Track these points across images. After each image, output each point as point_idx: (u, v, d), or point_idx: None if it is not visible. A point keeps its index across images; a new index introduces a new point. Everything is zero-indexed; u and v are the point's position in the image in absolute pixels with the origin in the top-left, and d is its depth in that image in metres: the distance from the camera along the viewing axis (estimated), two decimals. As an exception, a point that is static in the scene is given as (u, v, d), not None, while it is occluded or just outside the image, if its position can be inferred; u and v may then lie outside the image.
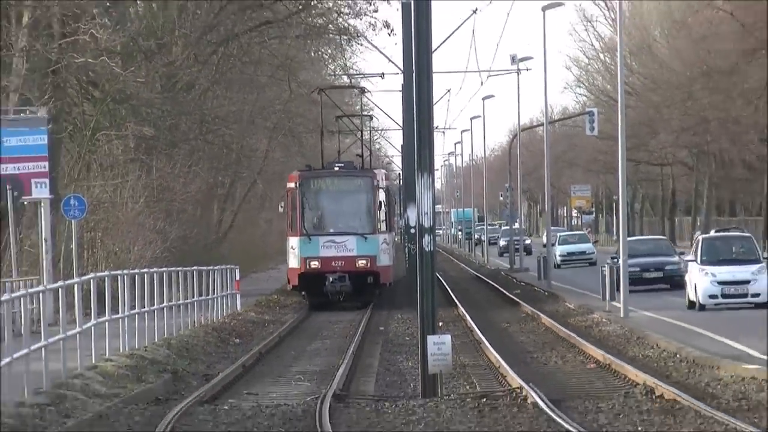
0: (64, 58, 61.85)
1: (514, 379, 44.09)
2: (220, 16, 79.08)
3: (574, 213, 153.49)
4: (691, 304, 55.16)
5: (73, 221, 57.50)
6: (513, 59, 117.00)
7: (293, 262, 66.31)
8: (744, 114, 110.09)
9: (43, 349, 40.08)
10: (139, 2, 74.93)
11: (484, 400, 40.64)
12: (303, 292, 68.80)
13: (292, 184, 65.72)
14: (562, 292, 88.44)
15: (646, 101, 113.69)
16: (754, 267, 54.40)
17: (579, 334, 60.50)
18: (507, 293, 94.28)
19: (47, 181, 54.37)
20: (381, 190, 67.08)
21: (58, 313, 46.11)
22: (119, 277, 50.76)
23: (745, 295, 53.69)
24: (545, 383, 43.37)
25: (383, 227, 65.94)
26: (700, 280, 53.98)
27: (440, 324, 45.22)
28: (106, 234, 62.35)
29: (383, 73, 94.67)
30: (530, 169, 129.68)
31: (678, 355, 50.79)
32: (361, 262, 64.07)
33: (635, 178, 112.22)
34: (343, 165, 73.09)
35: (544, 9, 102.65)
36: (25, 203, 54.48)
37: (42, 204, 54.75)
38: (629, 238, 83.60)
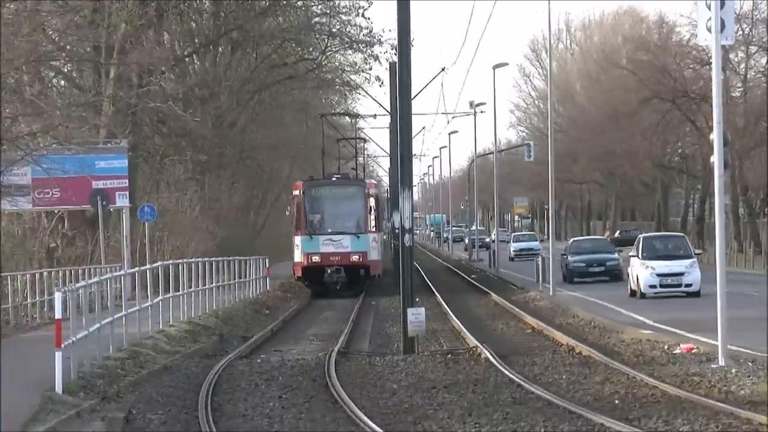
0: (140, 103, 62.07)
1: (472, 341, 45.07)
2: (255, 72, 79.23)
3: (516, 218, 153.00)
4: (633, 293, 54.28)
5: (146, 223, 57.93)
6: (471, 104, 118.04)
7: (298, 256, 64.67)
8: (641, 147, 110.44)
9: (123, 317, 40.64)
10: (195, 62, 74.90)
11: (449, 355, 41.46)
12: (306, 282, 66.90)
13: (297, 192, 64.76)
14: (508, 278, 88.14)
15: (569, 136, 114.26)
16: (688, 261, 53.77)
17: (519, 308, 60.74)
18: (466, 277, 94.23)
19: (127, 193, 54.88)
20: (371, 197, 65.83)
21: (134, 290, 46.66)
22: (180, 264, 50.92)
23: (679, 285, 52.75)
24: (494, 343, 43.71)
25: (373, 228, 64.61)
26: (642, 272, 52.77)
27: (417, 300, 45.36)
28: (170, 233, 62.54)
29: (375, 115, 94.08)
30: (483, 186, 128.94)
31: (592, 323, 50.75)
32: (355, 257, 62.72)
33: (561, 192, 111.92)
34: (340, 176, 71.89)
35: (494, 67, 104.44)
36: (111, 210, 54.73)
37: (123, 210, 55.07)
38: (577, 238, 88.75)
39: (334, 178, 69.00)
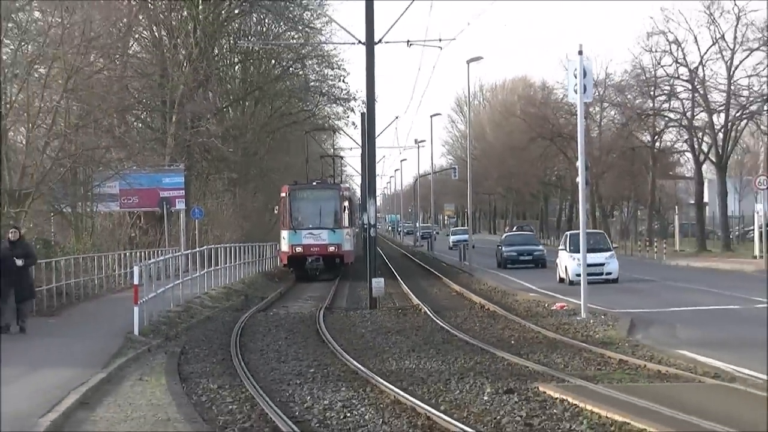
0: (193, 139, 62.00)
1: (416, 300, 44.63)
2: (270, 119, 78.89)
3: (446, 218, 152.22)
4: (561, 280, 50.48)
5: (195, 220, 57.64)
6: (416, 141, 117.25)
7: (284, 247, 60.07)
8: (529, 170, 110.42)
9: (180, 283, 40.45)
10: (230, 111, 74.72)
11: (400, 310, 41.27)
12: (291, 269, 61.90)
13: (283, 194, 60.17)
14: (439, 257, 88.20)
15: (481, 163, 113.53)
16: (607, 254, 50.82)
17: (448, 277, 60.47)
18: (413, 258, 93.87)
19: (183, 200, 54.74)
20: (345, 199, 61.70)
21: (187, 265, 46.51)
22: (218, 248, 50.91)
23: (601, 274, 49.20)
24: (431, 302, 43.48)
25: (346, 223, 60.64)
26: (569, 263, 48.69)
27: (378, 272, 45.21)
28: (212, 227, 62.01)
29: (351, 148, 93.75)
30: (424, 195, 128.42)
31: (496, 289, 50.34)
32: (331, 248, 58.75)
33: (475, 200, 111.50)
34: (319, 181, 68.48)
35: (431, 116, 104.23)
36: (173, 211, 54.58)
37: (180, 211, 54.87)
38: (509, 233, 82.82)
39: (314, 183, 65.83)
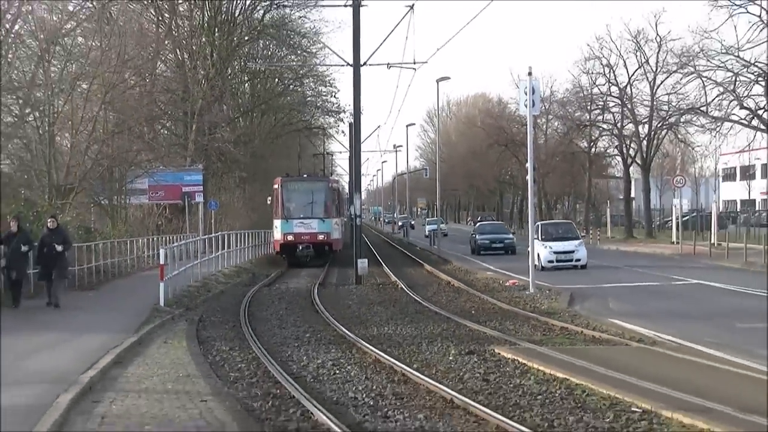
0: (210, 144, 61.83)
1: (393, 278, 44.56)
2: (274, 128, 78.64)
3: (419, 210, 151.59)
4: (535, 267, 46.59)
5: (212, 211, 57.53)
6: (394, 146, 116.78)
7: (277, 235, 55.16)
8: (488, 171, 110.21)
9: (198, 263, 40.42)
10: (241, 121, 74.41)
11: (381, 285, 41.17)
12: (283, 255, 56.55)
13: (276, 185, 55.53)
14: (414, 243, 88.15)
15: (448, 164, 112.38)
16: (576, 242, 47.59)
17: (421, 259, 59.77)
18: (392, 243, 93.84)
19: (202, 194, 54.46)
20: (334, 190, 57.90)
21: (205, 248, 46.37)
22: (231, 234, 50.79)
23: (570, 260, 46.12)
24: (407, 279, 43.26)
25: (335, 213, 56.23)
26: (542, 251, 45.60)
27: (362, 255, 45.11)
28: (225, 216, 61.23)
29: (341, 151, 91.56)
30: (402, 191, 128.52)
31: (461, 269, 50.34)
32: (321, 237, 54.14)
33: (443, 195, 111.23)
34: (309, 174, 64.85)
35: (407, 126, 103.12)
36: (193, 203, 54.21)
37: (199, 204, 54.61)
38: (482, 222, 78.52)
39: (305, 175, 61.73)
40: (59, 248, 26.56)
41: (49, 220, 27.46)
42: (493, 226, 70.31)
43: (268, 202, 57.81)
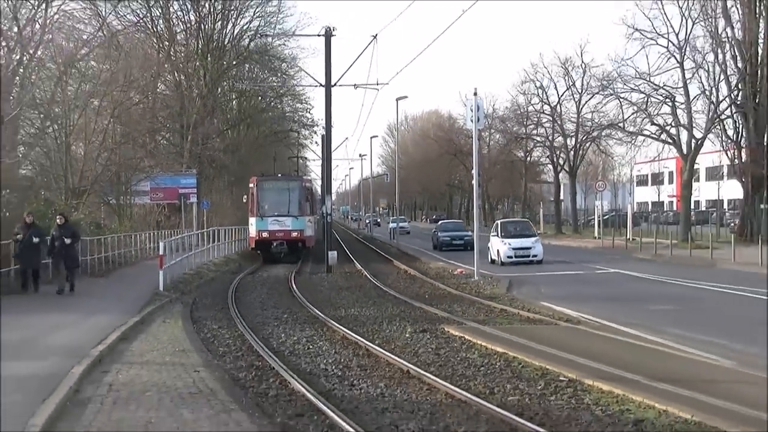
0: (203, 152, 61.34)
1: (359, 266, 44.27)
2: (258, 139, 77.91)
3: (381, 209, 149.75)
4: (493, 262, 43.78)
5: (204, 210, 57.00)
6: (360, 155, 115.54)
7: (252, 232, 49.75)
8: (440, 176, 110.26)
9: (192, 254, 40.21)
10: (229, 133, 73.90)
11: (348, 273, 41.05)
12: (258, 251, 50.57)
13: (252, 185, 50.20)
14: (377, 238, 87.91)
15: (406, 170, 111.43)
16: (533, 239, 44.42)
17: (385, 253, 59.11)
18: (357, 237, 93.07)
19: (195, 195, 53.67)
20: (306, 189, 52.06)
21: (198, 241, 46.08)
22: (219, 229, 50.58)
23: (528, 256, 42.89)
24: (371, 269, 42.82)
25: (308, 212, 50.74)
26: (501, 247, 43.25)
27: (334, 248, 44.95)
28: (215, 214, 60.16)
29: (314, 159, 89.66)
30: (366, 193, 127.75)
31: (419, 260, 49.81)
32: (294, 234, 48.58)
33: (401, 197, 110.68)
34: (283, 174, 60.22)
35: (371, 137, 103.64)
36: (187, 203, 53.42)
37: (193, 203, 53.96)
38: (444, 221, 73.92)
39: (279, 175, 56.94)
40: (67, 241, 26.38)
41: (58, 217, 27.21)
42: (454, 225, 66.64)
43: (244, 201, 53.95)
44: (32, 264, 26.09)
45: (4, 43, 41.09)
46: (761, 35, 54.33)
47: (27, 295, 25.54)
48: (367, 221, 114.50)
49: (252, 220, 49.25)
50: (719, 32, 56.16)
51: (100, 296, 26.94)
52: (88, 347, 16.86)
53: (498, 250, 42.94)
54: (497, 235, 44.14)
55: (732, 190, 69.80)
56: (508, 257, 42.00)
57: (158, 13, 62.63)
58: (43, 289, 26.31)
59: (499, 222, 49.01)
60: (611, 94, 67.72)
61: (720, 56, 56.70)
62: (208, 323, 22.61)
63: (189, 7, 64.62)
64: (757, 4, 54.52)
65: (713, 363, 15.60)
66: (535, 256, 42.55)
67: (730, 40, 55.91)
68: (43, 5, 42.36)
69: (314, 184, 70.81)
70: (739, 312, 23.70)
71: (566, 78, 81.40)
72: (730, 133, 57.86)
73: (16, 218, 26.80)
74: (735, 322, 21.62)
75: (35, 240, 25.92)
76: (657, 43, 60.08)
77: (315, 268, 45.71)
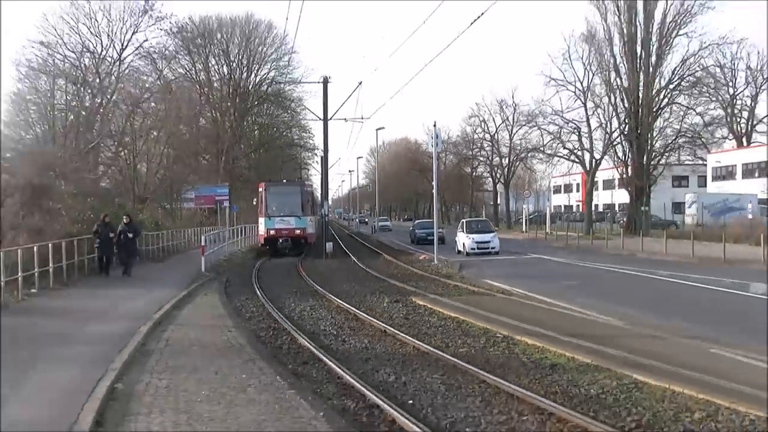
0: (233, 170, 61.08)
1: (349, 254, 43.78)
2: (274, 159, 77.21)
3: (364, 211, 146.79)
4: (459, 252, 41.14)
5: (234, 213, 56.42)
6: (349, 171, 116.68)
7: (261, 231, 43.97)
8: (408, 187, 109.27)
9: (225, 245, 40.01)
10: (253, 155, 73.25)
11: (340, 259, 40.35)
12: (266, 247, 43.85)
13: (261, 189, 44.64)
14: (364, 233, 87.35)
15: (384, 182, 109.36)
16: (491, 234, 41.44)
17: (369, 244, 57.95)
18: (348, 233, 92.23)
19: (228, 201, 52.86)
20: (308, 193, 46.33)
21: (230, 236, 45.74)
22: (245, 227, 50.32)
23: (487, 248, 39.95)
24: (357, 256, 42.41)
25: (309, 212, 45.02)
26: (466, 241, 40.66)
27: (330, 242, 44.52)
28: (242, 216, 58.48)
29: (315, 174, 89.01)
30: (354, 199, 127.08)
31: (400, 251, 49.07)
32: (297, 231, 43.12)
33: (381, 201, 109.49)
34: (288, 180, 55.62)
35: (357, 158, 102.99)
36: (222, 207, 52.34)
37: (226, 207, 53.14)
38: (420, 221, 67.65)
39: (284, 181, 51.82)
40: (130, 236, 26.13)
41: (124, 217, 26.88)
42: (428, 223, 60.08)
43: (254, 203, 48.64)
44: (107, 253, 25.96)
45: (89, 90, 41.69)
46: (641, 84, 55.04)
47: (103, 277, 25.44)
48: (356, 220, 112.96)
49: (261, 220, 43.91)
50: (611, 81, 56.89)
51: (158, 276, 26.85)
52: (150, 313, 16.88)
53: (464, 243, 41.19)
54: (463, 231, 42.44)
55: (621, 196, 70.21)
56: (472, 249, 40.24)
57: (200, 67, 62.71)
58: (112, 273, 26.24)
59: (464, 221, 46.79)
60: (534, 126, 68.21)
61: (612, 99, 57.46)
62: (237, 296, 22.57)
63: (222, 62, 64.77)
64: (638, 61, 55.15)
65: (607, 322, 15.76)
66: (493, 248, 40.60)
67: (619, 87, 56.63)
68: (117, 63, 42.85)
69: (315, 189, 68.50)
70: (626, 285, 23.91)
71: (501, 113, 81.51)
72: (620, 155, 58.38)
73: (98, 219, 26.61)
74: (623, 292, 21.82)
75: (111, 235, 25.80)
76: (567, 89, 60.49)
77: (316, 255, 45.56)
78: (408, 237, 60.53)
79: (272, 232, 43.24)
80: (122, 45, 43.42)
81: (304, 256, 42.34)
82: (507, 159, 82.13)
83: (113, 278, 25.21)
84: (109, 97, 42.44)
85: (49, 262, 21.52)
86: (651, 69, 54.79)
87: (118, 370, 10.91)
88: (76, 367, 11.01)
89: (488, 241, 40.89)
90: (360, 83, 43.01)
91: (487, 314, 17.03)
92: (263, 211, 43.58)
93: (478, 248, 40.61)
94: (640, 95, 55.02)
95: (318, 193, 61.05)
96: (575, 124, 61.64)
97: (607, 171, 75.70)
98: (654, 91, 55.25)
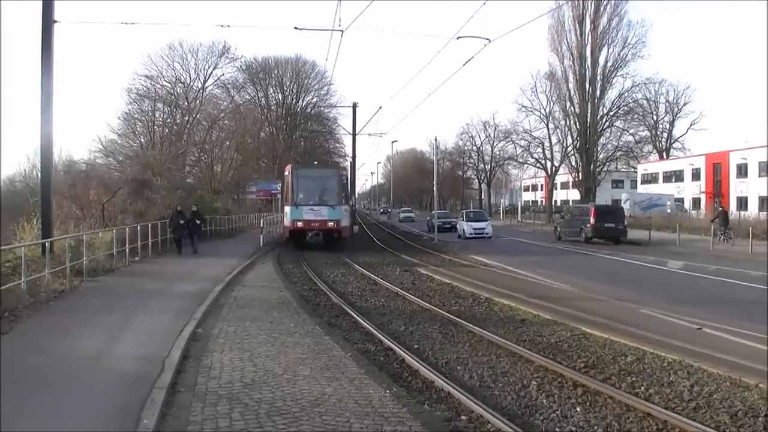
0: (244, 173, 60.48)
1: (370, 234, 42.59)
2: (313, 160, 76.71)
3: (382, 202, 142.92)
4: (460, 236, 38.62)
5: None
6: (371, 173, 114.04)
7: (287, 222, 27.49)
8: (416, 185, 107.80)
9: (278, 227, 36.94)
10: (299, 160, 72.69)
11: (363, 238, 39.12)
12: (292, 242, 27.83)
13: (287, 172, 27.96)
14: (382, 220, 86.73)
15: (396, 182, 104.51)
16: (486, 222, 39.50)
17: (388, 229, 56.27)
18: (371, 219, 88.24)
19: (280, 193, 48.53)
20: (343, 177, 28.72)
21: (281, 220, 45.02)
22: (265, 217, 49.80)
23: (483, 233, 37.97)
24: (377, 236, 41.17)
25: (344, 201, 27.87)
26: (466, 227, 38.74)
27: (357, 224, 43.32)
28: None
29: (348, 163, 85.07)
30: (374, 194, 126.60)
31: (420, 237, 47.91)
32: (330, 224, 26.95)
33: (395, 197, 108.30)
34: (319, 162, 39.68)
35: (377, 163, 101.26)
36: (276, 198, 48.97)
37: (279, 198, 50.93)
38: (436, 211, 55.87)
39: (315, 163, 36.85)
40: (198, 222, 24.95)
41: (193, 206, 25.65)
42: (443, 213, 55.58)
43: (278, 189, 37.17)
44: (181, 235, 24.66)
45: (179, 111, 42.05)
46: (588, 111, 54.95)
47: (178, 255, 25.13)
48: (381, 210, 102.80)
49: (287, 209, 27.68)
50: (567, 109, 56.74)
51: (227, 250, 26.76)
52: (222, 276, 16.88)
53: (464, 229, 39.65)
54: (463, 220, 41.04)
55: (574, 194, 69.84)
56: (470, 234, 38.64)
57: (261, 95, 62.88)
58: (184, 251, 24.99)
59: (464, 211, 45.43)
60: (510, 141, 68.01)
61: (567, 122, 57.32)
62: (287, 265, 22.45)
63: (278, 91, 64.93)
64: (586, 94, 54.98)
65: (565, 289, 15.67)
66: (487, 233, 38.86)
67: (572, 113, 56.53)
68: (201, 90, 43.27)
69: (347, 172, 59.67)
70: (576, 262, 23.73)
71: (485, 131, 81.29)
72: (573, 163, 58.50)
73: (185, 208, 25.83)
74: (573, 267, 21.66)
75: (181, 222, 24.65)
76: (534, 114, 60.68)
77: (349, 236, 44.67)
78: (425, 225, 55.86)
79: (299, 224, 27.17)
80: (205, 77, 44.26)
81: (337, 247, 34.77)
82: (489, 165, 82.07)
83: (186, 255, 25.04)
84: (194, 116, 42.82)
85: (148, 237, 21.58)
86: (596, 100, 55.19)
87: (199, 318, 11.00)
88: (168, 315, 11.09)
89: (483, 228, 39.67)
90: (380, 107, 42.95)
91: (473, 281, 16.97)
92: (289, 199, 27.25)
93: (475, 233, 39.36)
94: (588, 120, 55.38)
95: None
96: (540, 140, 61.88)
97: (563, 175, 75.16)
98: (598, 117, 55.72)
